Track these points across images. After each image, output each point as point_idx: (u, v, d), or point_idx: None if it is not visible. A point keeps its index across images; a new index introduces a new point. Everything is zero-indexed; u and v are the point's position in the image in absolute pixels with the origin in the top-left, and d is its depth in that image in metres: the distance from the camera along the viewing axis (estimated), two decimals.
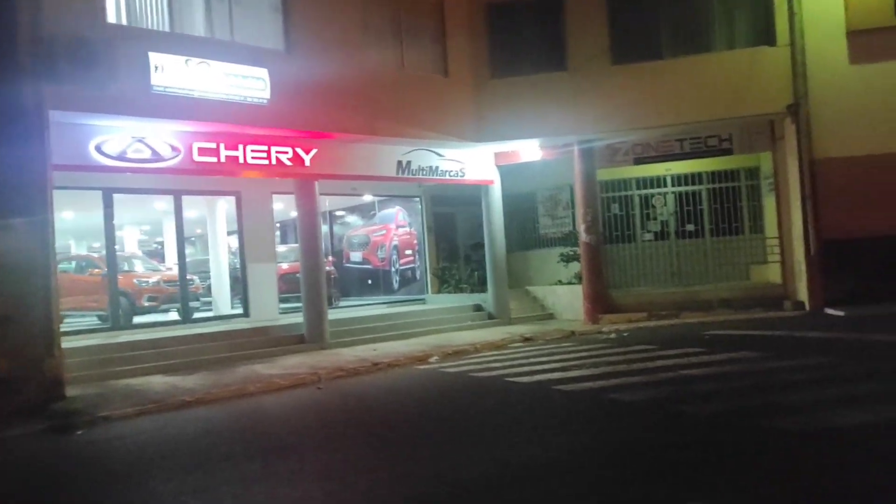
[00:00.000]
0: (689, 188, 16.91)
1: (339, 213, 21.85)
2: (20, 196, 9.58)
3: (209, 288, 17.14)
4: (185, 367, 11.81)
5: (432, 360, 12.25)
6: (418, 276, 19.05)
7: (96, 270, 16.14)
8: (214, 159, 12.32)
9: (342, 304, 18.75)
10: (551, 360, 10.87)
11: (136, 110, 10.92)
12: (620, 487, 4.85)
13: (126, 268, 16.59)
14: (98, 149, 11.13)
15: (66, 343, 12.23)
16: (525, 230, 19.59)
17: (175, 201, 14.56)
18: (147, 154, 11.62)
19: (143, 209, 17.16)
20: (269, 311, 15.59)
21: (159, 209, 16.90)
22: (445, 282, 18.53)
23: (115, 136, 11.30)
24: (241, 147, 12.60)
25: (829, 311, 13.51)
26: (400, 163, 14.94)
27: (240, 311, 15.70)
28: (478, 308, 16.96)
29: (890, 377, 7.42)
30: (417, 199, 18.91)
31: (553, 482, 5.07)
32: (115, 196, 13.65)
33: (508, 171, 17.10)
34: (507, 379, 9.57)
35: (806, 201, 14.01)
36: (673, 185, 17.02)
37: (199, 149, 12.12)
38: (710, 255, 16.55)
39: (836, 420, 5.84)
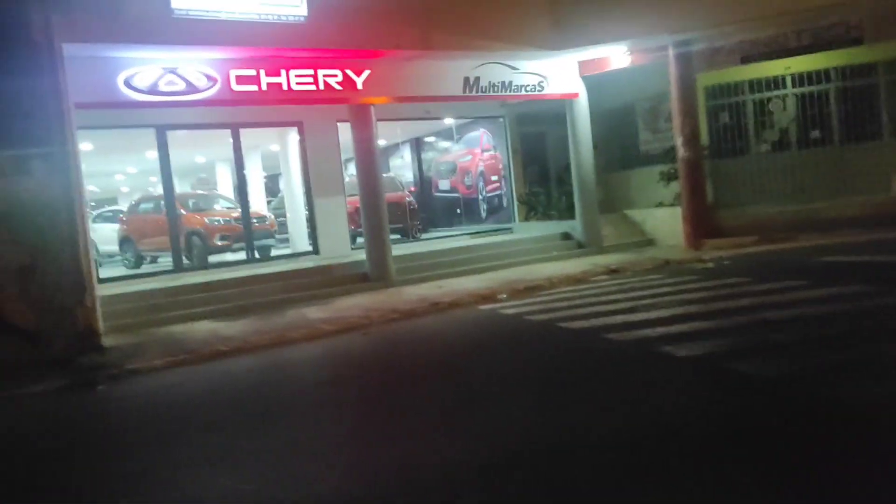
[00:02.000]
0: (814, 88, 14.40)
1: (428, 139, 20.72)
2: (35, 135, 9.11)
3: (286, 225, 16.65)
4: (237, 311, 11.28)
5: (500, 297, 11.08)
6: (505, 204, 17.71)
7: None
8: (255, 87, 11.42)
9: (426, 236, 17.78)
10: (625, 299, 9.39)
11: (159, 38, 10.11)
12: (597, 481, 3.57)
13: (203, 206, 16.38)
14: (127, 83, 10.49)
15: (126, 287, 12.12)
16: (625, 147, 17.67)
17: (233, 135, 13.90)
18: (181, 86, 10.88)
19: (214, 145, 16.60)
20: (340, 247, 14.86)
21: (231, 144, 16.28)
22: (532, 208, 17.09)
23: (145, 69, 10.61)
24: (283, 73, 11.62)
25: None
26: (467, 79, 13.49)
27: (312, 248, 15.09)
28: (566, 236, 15.47)
29: None
30: (501, 119, 17.40)
31: (548, 464, 3.88)
32: (170, 133, 13.16)
33: (600, 82, 15.23)
34: (560, 324, 8.24)
35: None
36: (793, 87, 14.55)
37: (237, 77, 11.25)
38: (838, 165, 14.10)
39: None
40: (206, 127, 13.78)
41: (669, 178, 15.19)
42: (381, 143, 20.96)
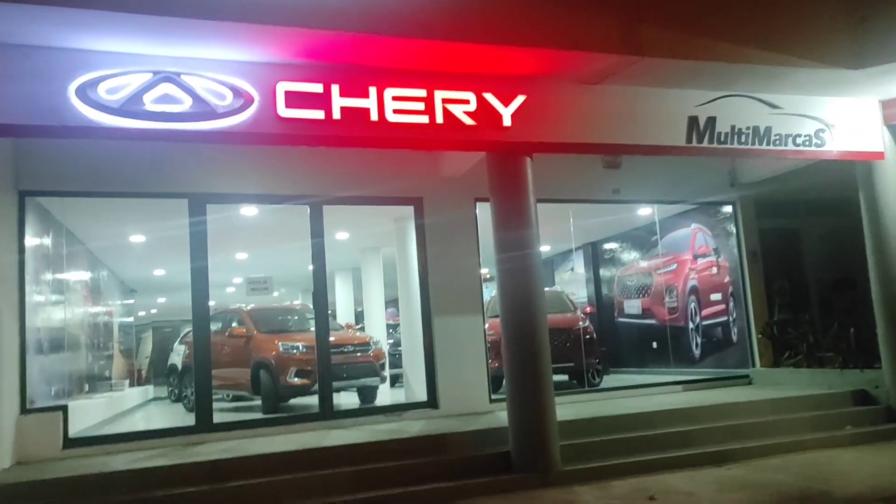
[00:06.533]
0: None
1: (608, 245, 15.00)
2: None
3: (400, 356, 11.30)
4: None
5: None
6: (735, 337, 11.37)
7: (240, 329, 11.20)
8: (321, 114, 6.42)
9: (608, 380, 11.66)
10: None
11: (148, 6, 5.42)
12: None
13: (281, 325, 11.56)
14: (85, 94, 5.79)
15: (111, 458, 7.09)
16: None
17: (312, 215, 8.91)
18: (185, 104, 6.05)
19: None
20: (473, 399, 9.17)
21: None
22: (787, 346, 10.63)
23: (120, 72, 5.92)
24: (373, 91, 6.58)
25: None
26: (694, 121, 7.85)
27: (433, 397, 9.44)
28: (862, 398, 8.96)
29: None
30: (729, 207, 11.40)
31: None
32: (211, 206, 8.37)
33: None
34: None
35: None
36: None
37: (289, 94, 6.32)
38: None
39: None
40: (264, 200, 8.89)
41: None
42: (544, 248, 15.63)
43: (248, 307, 11.91)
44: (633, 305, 13.99)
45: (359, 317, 17.29)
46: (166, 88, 6.01)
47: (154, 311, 22.62)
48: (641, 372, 13.13)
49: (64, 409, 7.58)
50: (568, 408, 8.55)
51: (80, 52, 5.80)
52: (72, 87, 5.76)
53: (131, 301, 17.88)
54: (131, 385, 16.09)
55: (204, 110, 6.09)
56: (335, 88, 6.46)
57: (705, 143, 7.89)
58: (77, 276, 11.06)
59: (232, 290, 16.50)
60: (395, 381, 13.06)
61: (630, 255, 14.27)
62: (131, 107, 5.88)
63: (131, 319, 17.98)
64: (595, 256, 15.26)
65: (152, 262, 13.64)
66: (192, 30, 5.71)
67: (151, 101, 5.95)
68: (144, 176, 8.02)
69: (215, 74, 6.16)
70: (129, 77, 5.92)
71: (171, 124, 6.01)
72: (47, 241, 8.94)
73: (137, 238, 11.36)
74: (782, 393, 9.36)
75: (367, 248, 13.96)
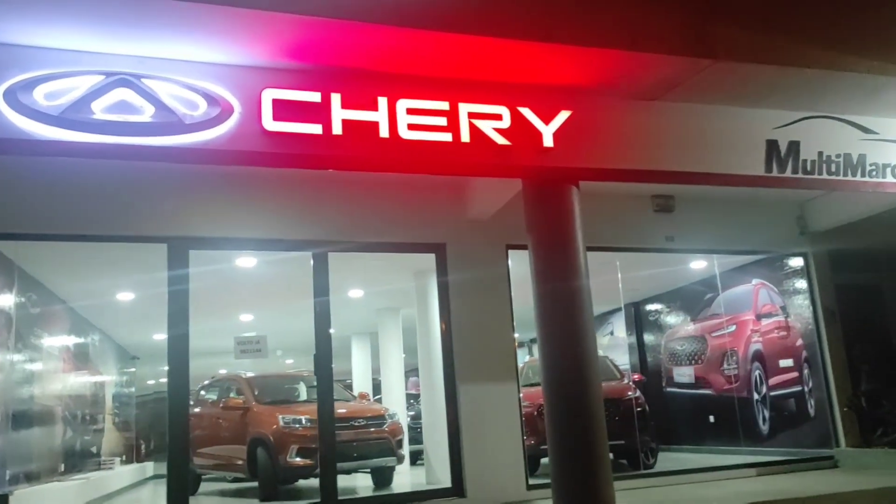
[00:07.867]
0: None
1: (652, 306, 13.48)
2: None
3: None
4: None
5: None
6: (812, 410, 9.69)
7: (236, 400, 9.80)
8: (318, 129, 5.16)
9: (658, 464, 9.95)
10: None
11: None
12: None
13: (282, 395, 10.16)
14: (15, 98, 4.59)
15: None
16: None
17: (315, 263, 7.56)
18: (145, 114, 4.83)
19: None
20: (507, 482, 7.59)
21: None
22: (880, 422, 8.95)
23: (64, 74, 4.74)
24: (383, 102, 5.34)
25: None
26: (774, 145, 6.50)
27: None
28: None
29: None
30: (799, 259, 9.89)
31: None
32: (194, 253, 7.06)
33: None
34: None
35: None
36: None
37: (277, 102, 5.09)
38: None
39: None
40: (258, 246, 7.56)
41: None
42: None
43: (248, 375, 10.50)
44: (683, 373, 12.35)
45: (377, 387, 15.79)
46: (122, 94, 4.81)
47: (163, 380, 21.45)
48: (697, 450, 11.42)
49: (3, 498, 6.16)
50: (624, 497, 6.93)
51: (10, 48, 4.65)
52: None
53: (132, 369, 16.54)
54: (127, 462, 14.60)
55: (170, 121, 4.87)
56: (336, 98, 5.23)
57: (788, 173, 6.52)
58: (54, 339, 9.78)
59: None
60: (417, 457, 11.48)
61: (678, 317, 12.71)
62: (76, 115, 4.68)
63: (132, 389, 16.60)
64: (638, 318, 13.71)
65: (149, 324, 12.31)
66: (156, 18, 4.56)
67: (102, 110, 4.75)
68: (114, 214, 6.75)
69: (185, 78, 4.96)
70: (75, 79, 4.74)
71: (127, 138, 4.78)
72: (9, 297, 7.69)
73: (125, 295, 10.11)
74: (883, 480, 7.66)
75: (385, 309, 12.60)
